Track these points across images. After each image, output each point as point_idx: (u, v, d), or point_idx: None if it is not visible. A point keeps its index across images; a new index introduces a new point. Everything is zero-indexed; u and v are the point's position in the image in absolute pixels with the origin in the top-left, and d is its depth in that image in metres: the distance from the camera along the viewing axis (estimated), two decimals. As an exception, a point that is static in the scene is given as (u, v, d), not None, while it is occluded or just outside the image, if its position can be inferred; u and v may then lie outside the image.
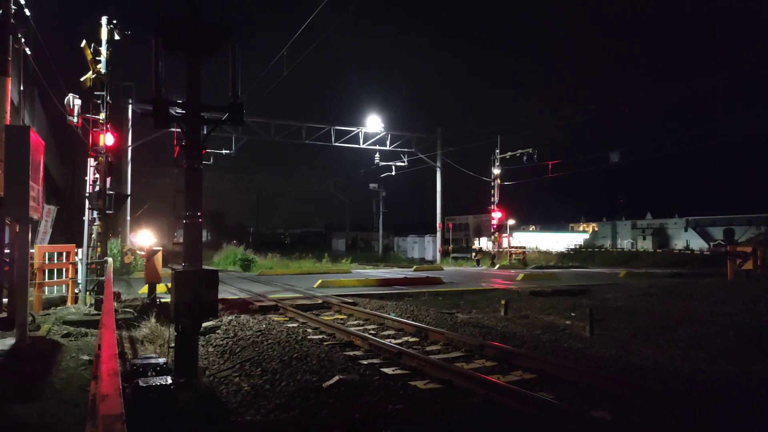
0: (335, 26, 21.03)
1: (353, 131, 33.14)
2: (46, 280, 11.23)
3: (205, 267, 6.53)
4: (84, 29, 12.62)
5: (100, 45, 11.72)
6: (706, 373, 6.59)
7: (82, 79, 11.73)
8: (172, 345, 6.45)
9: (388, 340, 8.58)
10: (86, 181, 12.28)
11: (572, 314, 11.60)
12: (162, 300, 11.08)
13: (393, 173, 38.41)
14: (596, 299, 14.47)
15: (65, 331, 8.61)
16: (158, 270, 11.63)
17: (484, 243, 46.47)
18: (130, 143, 28.00)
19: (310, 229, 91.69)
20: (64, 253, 11.79)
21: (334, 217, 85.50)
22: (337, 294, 15.03)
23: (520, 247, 38.12)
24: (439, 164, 36.47)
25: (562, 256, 40.64)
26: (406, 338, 9.15)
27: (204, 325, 7.91)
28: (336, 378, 6.11)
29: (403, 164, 37.23)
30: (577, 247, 49.85)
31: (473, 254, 36.81)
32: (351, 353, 7.90)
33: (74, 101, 11.95)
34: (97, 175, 11.76)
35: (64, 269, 11.72)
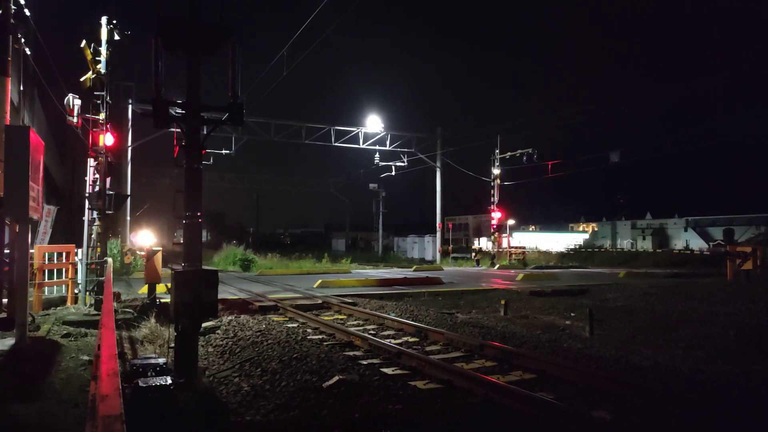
0: (335, 26, 21.06)
1: (353, 131, 33.14)
2: (46, 280, 11.23)
3: (204, 267, 6.53)
4: (84, 29, 12.63)
5: (100, 45, 11.72)
6: (706, 373, 6.59)
7: (81, 79, 11.73)
8: (172, 345, 6.45)
9: (388, 341, 8.58)
10: (86, 181, 12.27)
11: (572, 314, 11.60)
12: (162, 300, 11.08)
13: (393, 173, 38.42)
14: (596, 299, 14.47)
15: (65, 332, 8.61)
16: (158, 270, 11.62)
17: (483, 243, 46.48)
18: (130, 143, 28.00)
19: (309, 229, 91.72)
20: (64, 254, 11.78)
21: (334, 217, 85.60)
22: (337, 294, 15.03)
23: (520, 248, 38.11)
24: (438, 164, 36.46)
25: (561, 256, 40.64)
26: (405, 338, 9.14)
27: (204, 325, 7.91)
28: (336, 378, 6.11)
29: (402, 164, 37.23)
30: (577, 247, 49.86)
31: (473, 254, 36.81)
32: (351, 353, 7.90)
33: (74, 101, 11.94)
34: (97, 176, 11.75)
35: (63, 269, 11.71)
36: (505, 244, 35.77)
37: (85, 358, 7.08)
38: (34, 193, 8.10)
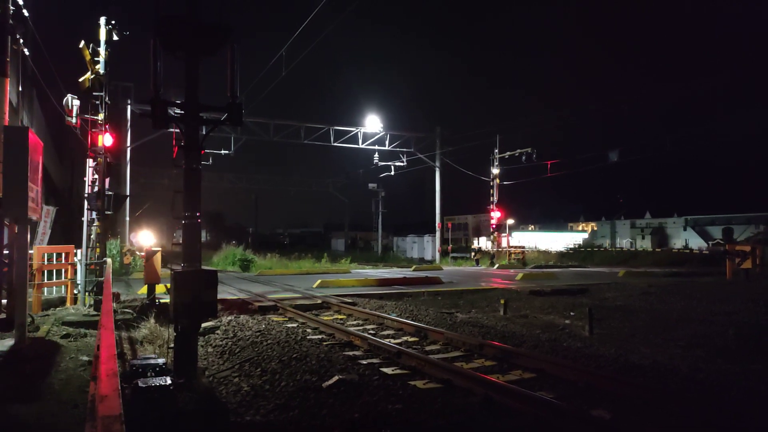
0: (334, 26, 21.16)
1: (352, 131, 33.14)
2: (45, 281, 11.23)
3: (204, 267, 6.53)
4: (83, 30, 12.63)
5: (99, 45, 11.71)
6: (706, 372, 6.59)
7: (80, 79, 11.73)
8: (172, 345, 6.45)
9: (388, 340, 8.58)
10: (85, 181, 12.27)
11: (571, 313, 11.61)
12: (161, 300, 11.07)
13: (392, 173, 38.44)
14: (595, 298, 14.48)
15: (64, 332, 8.61)
16: (157, 270, 11.62)
17: (483, 243, 46.50)
18: (129, 144, 28.01)
19: (309, 229, 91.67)
20: (63, 254, 11.78)
21: (334, 217, 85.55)
22: (337, 294, 15.03)
23: (520, 247, 38.15)
24: (438, 164, 36.48)
25: (561, 255, 40.66)
26: (405, 338, 9.15)
27: (203, 325, 7.91)
28: (335, 378, 6.11)
29: (402, 164, 37.26)
30: (576, 246, 49.87)
31: (472, 254, 36.83)
32: (350, 353, 7.90)
33: (73, 102, 11.94)
34: (96, 176, 11.75)
35: (63, 270, 11.71)
36: (504, 244, 35.79)
37: (85, 358, 7.08)
38: (33, 193, 8.10)
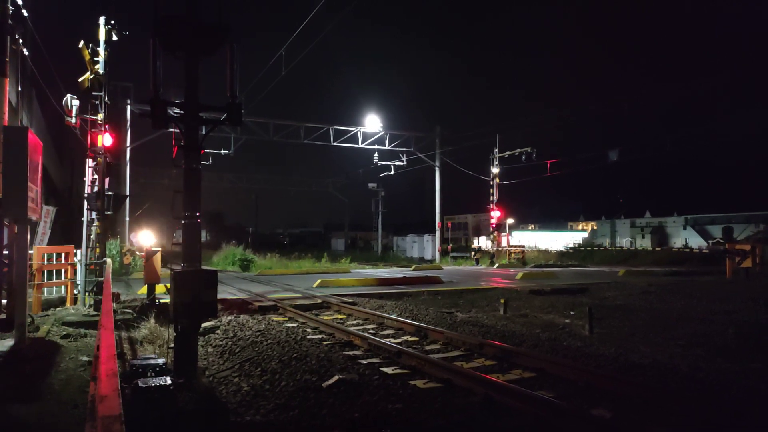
0: (333, 26, 21.19)
1: (352, 131, 33.13)
2: (45, 281, 11.23)
3: (204, 267, 6.53)
4: (82, 30, 12.62)
5: (98, 45, 11.71)
6: (705, 371, 6.59)
7: (80, 79, 11.73)
8: (172, 345, 6.45)
9: (388, 340, 8.58)
10: (85, 181, 12.27)
11: (571, 313, 11.61)
12: (161, 300, 11.07)
13: (392, 173, 38.44)
14: (595, 298, 14.48)
15: (64, 332, 8.61)
16: (157, 270, 11.61)
17: (483, 242, 46.47)
18: (128, 144, 28.00)
19: (309, 228, 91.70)
20: (63, 254, 11.78)
21: (333, 216, 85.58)
22: (337, 294, 15.03)
23: (519, 246, 38.12)
24: (437, 163, 36.47)
25: (561, 254, 40.65)
26: (405, 337, 9.15)
27: (203, 325, 7.91)
28: (335, 378, 6.11)
29: (402, 164, 37.25)
30: (576, 245, 49.89)
31: (472, 253, 36.82)
32: (350, 353, 7.90)
33: (72, 102, 11.94)
34: (96, 176, 11.75)
35: (63, 270, 11.71)
36: (504, 243, 35.78)
37: (85, 358, 7.08)
38: (32, 193, 8.09)
